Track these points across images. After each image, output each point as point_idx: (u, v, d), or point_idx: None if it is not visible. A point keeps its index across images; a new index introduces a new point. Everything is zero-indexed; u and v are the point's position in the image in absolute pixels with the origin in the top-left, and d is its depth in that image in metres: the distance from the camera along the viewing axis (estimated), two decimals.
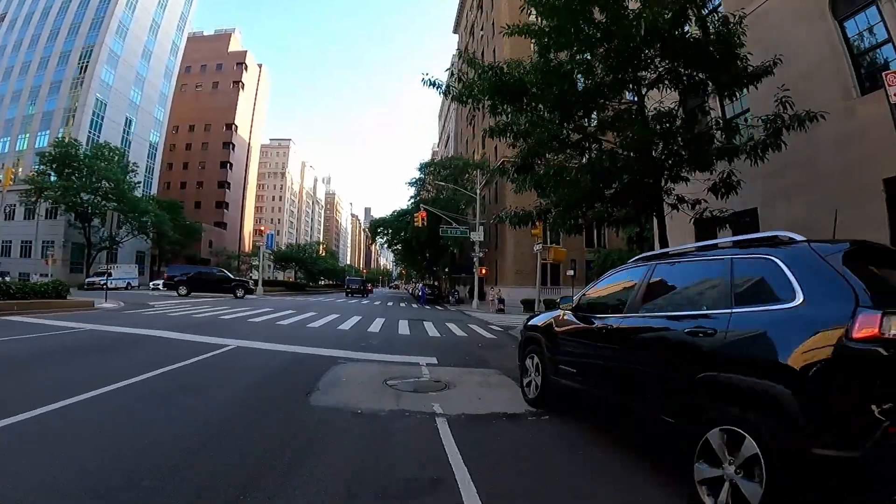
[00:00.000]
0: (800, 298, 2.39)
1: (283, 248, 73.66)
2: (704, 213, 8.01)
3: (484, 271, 30.63)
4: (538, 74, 7.41)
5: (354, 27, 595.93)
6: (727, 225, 8.57)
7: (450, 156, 50.44)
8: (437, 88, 8.00)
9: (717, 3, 9.88)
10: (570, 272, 27.76)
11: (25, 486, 2.42)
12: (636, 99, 8.64)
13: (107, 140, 43.53)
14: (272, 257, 63.15)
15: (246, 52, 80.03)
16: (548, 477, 3.05)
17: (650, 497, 2.81)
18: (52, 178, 37.63)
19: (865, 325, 2.02)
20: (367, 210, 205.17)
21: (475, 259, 28.94)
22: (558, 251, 13.02)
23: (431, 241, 37.33)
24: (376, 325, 13.03)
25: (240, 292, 25.96)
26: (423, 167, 43.16)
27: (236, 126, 75.15)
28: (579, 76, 8.06)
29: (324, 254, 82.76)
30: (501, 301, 25.50)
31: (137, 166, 44.74)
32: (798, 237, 2.83)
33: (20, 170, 44.54)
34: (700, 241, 4.23)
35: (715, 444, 2.44)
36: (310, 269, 66.09)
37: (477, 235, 28.55)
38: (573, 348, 4.24)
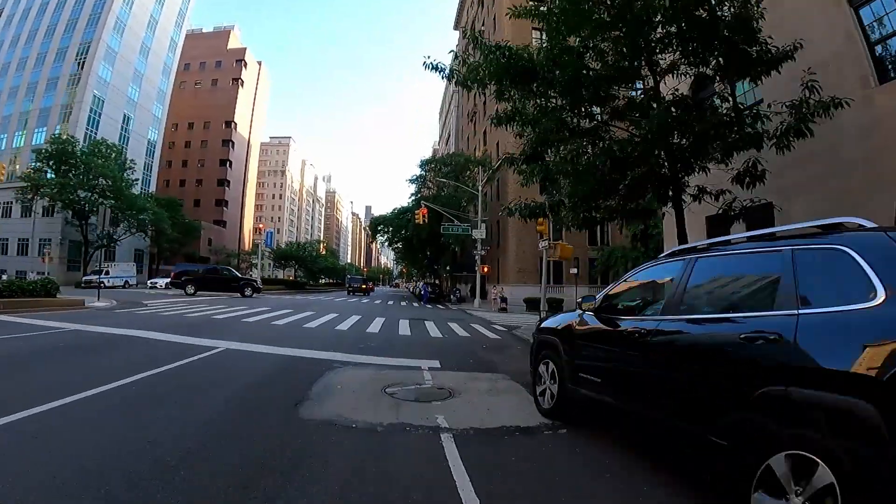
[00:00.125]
0: (881, 295, 1.96)
1: (283, 246, 73.14)
2: (734, 203, 7.40)
3: (486, 269, 30.13)
4: (548, 56, 6.89)
5: (354, 27, 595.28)
6: (741, 220, 8.08)
7: (451, 153, 49.88)
8: (440, 73, 7.48)
9: None
10: (574, 270, 27.25)
11: None
12: (651, 85, 8.16)
13: (104, 137, 43.02)
14: (272, 255, 62.67)
15: (245, 48, 79.41)
16: None
17: None
18: (50, 176, 37.14)
19: None
20: (368, 208, 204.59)
21: (477, 257, 28.46)
22: (565, 248, 12.51)
23: (432, 239, 36.84)
24: (376, 326, 12.55)
25: (248, 291, 25.65)
26: (424, 164, 42.59)
27: (236, 124, 74.60)
28: (591, 60, 7.56)
29: (324, 252, 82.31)
30: (504, 300, 25.04)
31: (135, 163, 44.22)
32: (868, 223, 2.39)
33: (17, 167, 44.29)
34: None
35: (779, 472, 2.02)
36: (310, 267, 65.63)
37: (479, 233, 28.07)
38: (597, 354, 3.75)
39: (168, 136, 63.97)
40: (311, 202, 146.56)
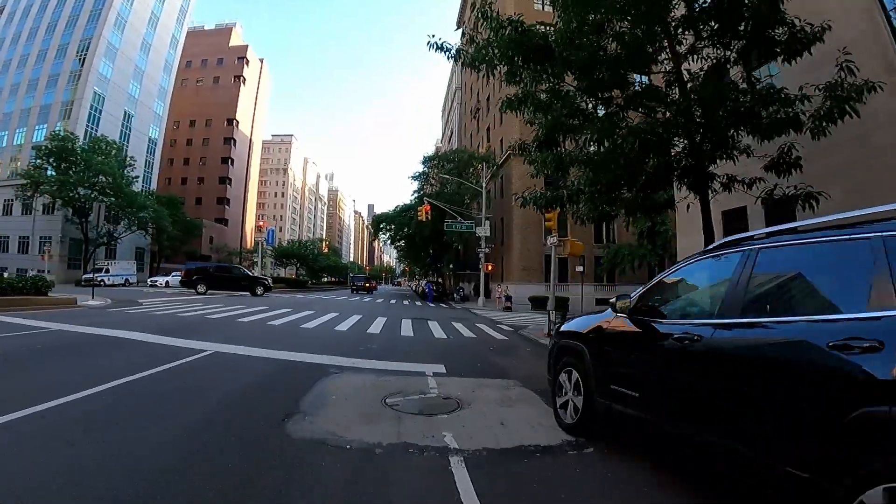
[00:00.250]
0: None
1: (285, 244, 72.72)
2: (774, 190, 6.74)
3: (490, 267, 29.58)
4: (564, 33, 6.32)
5: (354, 26, 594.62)
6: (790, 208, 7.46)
7: (454, 149, 49.30)
8: (446, 53, 6.92)
9: None
10: (580, 268, 26.66)
11: None
12: (669, 69, 7.60)
13: (104, 134, 42.66)
14: (273, 254, 62.28)
15: (247, 46, 78.92)
16: None
17: None
18: (50, 173, 36.78)
19: None
20: (371, 207, 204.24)
21: (481, 255, 27.90)
22: (575, 244, 11.93)
23: (435, 237, 36.30)
24: (377, 326, 12.01)
25: (259, 290, 25.31)
26: (427, 160, 41.97)
27: (237, 121, 74.19)
28: (608, 42, 6.98)
29: (326, 251, 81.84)
30: (508, 298, 24.50)
31: (135, 160, 43.83)
32: None
33: (17, 164, 43.99)
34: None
35: None
36: (311, 265, 65.18)
37: (482, 230, 27.51)
38: (635, 364, 3.20)
39: (170, 134, 63.62)
40: (313, 200, 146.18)
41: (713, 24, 6.78)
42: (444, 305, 27.32)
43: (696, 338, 2.69)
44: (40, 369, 5.21)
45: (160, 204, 45.19)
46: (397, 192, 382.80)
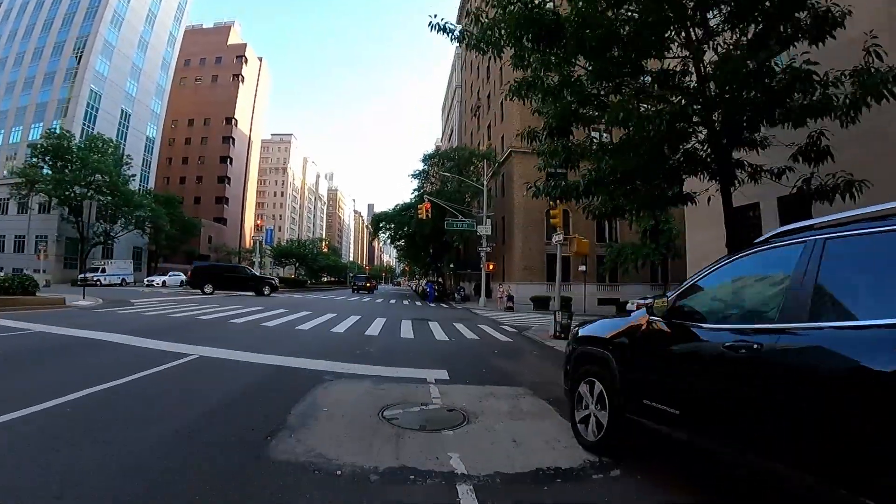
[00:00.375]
0: None
1: (285, 244, 72.24)
2: (811, 179, 6.20)
3: (491, 267, 29.12)
4: (578, 10, 5.85)
5: (353, 24, 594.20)
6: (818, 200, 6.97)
7: (454, 147, 48.83)
8: (448, 34, 6.46)
9: None
10: (582, 267, 26.27)
11: None
12: (686, 55, 7.15)
13: (101, 132, 42.16)
14: (272, 253, 61.81)
15: (245, 44, 78.36)
16: None
17: None
18: (46, 171, 36.28)
19: None
20: (371, 206, 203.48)
21: (482, 254, 27.44)
22: (581, 242, 11.47)
23: (435, 236, 35.85)
24: (375, 327, 11.54)
25: (266, 290, 24.95)
26: (427, 158, 41.44)
27: (236, 120, 73.68)
28: (621, 26, 6.53)
29: (326, 250, 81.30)
30: (510, 298, 24.05)
31: (132, 158, 43.36)
32: None
33: (13, 162, 43.47)
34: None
35: None
36: (311, 265, 64.71)
37: (484, 229, 27.08)
38: (674, 376, 2.73)
39: (168, 133, 63.16)
40: (312, 200, 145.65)
41: (734, 3, 6.33)
42: (444, 305, 26.86)
43: (754, 346, 2.23)
44: (9, 376, 4.74)
45: (158, 203, 44.71)
46: (397, 191, 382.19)
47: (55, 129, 39.20)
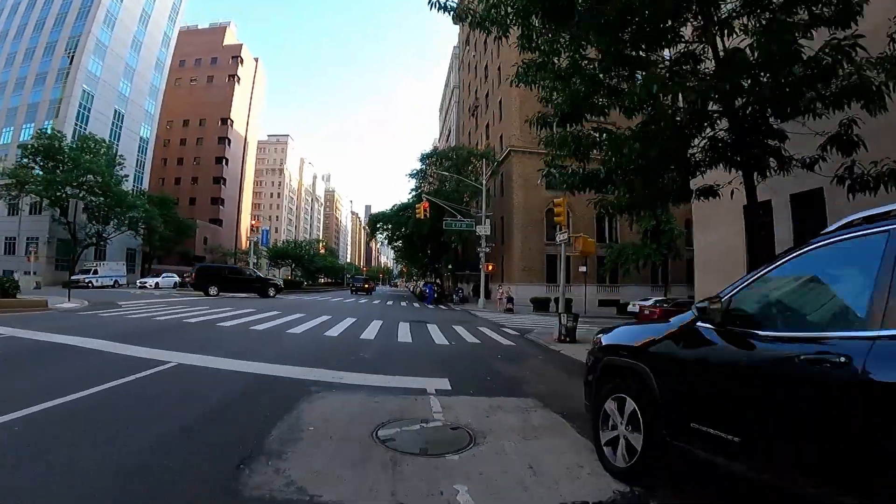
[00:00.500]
0: None
1: (280, 244, 71.60)
2: (853, 167, 5.60)
3: (491, 268, 28.64)
4: None
5: (348, 23, 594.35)
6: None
7: (452, 146, 48.38)
8: (449, 12, 5.99)
9: None
10: (583, 268, 25.78)
11: None
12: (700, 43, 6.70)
13: (93, 133, 41.49)
14: (268, 254, 61.18)
15: (241, 45, 77.77)
16: None
17: None
18: (37, 172, 35.58)
19: None
20: (368, 208, 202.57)
21: (481, 254, 26.96)
22: (587, 242, 10.99)
23: (433, 236, 35.33)
24: (371, 331, 11.01)
25: (271, 292, 24.58)
26: (424, 157, 40.92)
27: (232, 121, 73.06)
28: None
29: (323, 251, 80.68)
30: (510, 300, 23.55)
31: (124, 159, 42.60)
32: None
33: (3, 164, 42.72)
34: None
35: None
36: (307, 266, 64.10)
37: (483, 229, 26.59)
38: (733, 396, 2.24)
39: (163, 134, 62.49)
40: (309, 201, 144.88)
41: None
42: (442, 307, 26.33)
43: (841, 360, 1.75)
44: None
45: (151, 204, 44.02)
46: (394, 192, 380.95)
47: (46, 129, 38.56)
